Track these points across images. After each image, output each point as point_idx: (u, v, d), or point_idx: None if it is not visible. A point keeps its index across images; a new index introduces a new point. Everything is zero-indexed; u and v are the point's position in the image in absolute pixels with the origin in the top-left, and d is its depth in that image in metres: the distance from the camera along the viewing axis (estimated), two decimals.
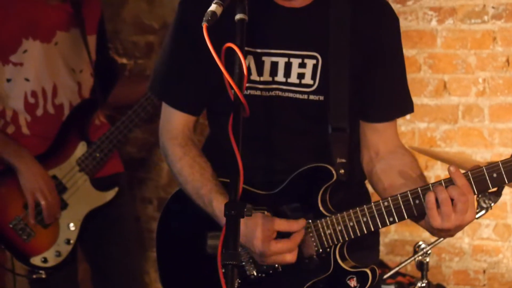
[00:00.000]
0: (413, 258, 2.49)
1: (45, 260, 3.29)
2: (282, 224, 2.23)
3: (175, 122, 2.42)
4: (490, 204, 2.19)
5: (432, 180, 4.16)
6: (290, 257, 2.22)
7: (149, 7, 4.63)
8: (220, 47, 1.88)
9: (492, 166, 2.09)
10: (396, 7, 4.10)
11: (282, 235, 2.23)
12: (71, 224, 3.33)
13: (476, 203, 2.15)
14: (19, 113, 3.33)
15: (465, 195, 2.06)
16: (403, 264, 2.55)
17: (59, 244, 3.32)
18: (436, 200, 2.08)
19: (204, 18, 1.87)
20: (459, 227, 2.11)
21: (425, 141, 4.26)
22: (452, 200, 2.06)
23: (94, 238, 3.47)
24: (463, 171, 2.11)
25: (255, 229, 2.20)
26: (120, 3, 4.63)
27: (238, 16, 1.96)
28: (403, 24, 4.16)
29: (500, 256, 4.18)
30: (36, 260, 3.29)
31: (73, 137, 3.38)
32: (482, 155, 4.15)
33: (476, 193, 2.10)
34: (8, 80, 3.30)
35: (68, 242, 3.31)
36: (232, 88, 1.86)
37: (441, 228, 2.10)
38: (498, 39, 4.09)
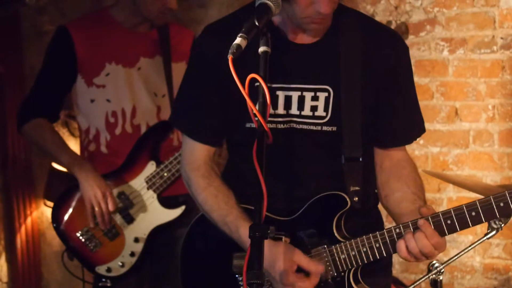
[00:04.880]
0: (427, 276, 2.45)
1: (108, 270, 3.40)
2: (302, 260, 2.26)
3: (197, 153, 2.45)
4: (501, 225, 2.25)
5: (444, 202, 4.32)
6: None
7: None
8: (243, 78, 1.93)
9: (469, 205, 2.18)
10: (409, 37, 4.15)
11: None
12: (137, 238, 3.41)
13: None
14: (100, 131, 3.47)
15: (430, 246, 2.17)
16: (417, 282, 2.49)
17: (124, 256, 3.39)
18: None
19: (229, 51, 1.91)
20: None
21: (438, 164, 4.34)
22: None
23: (156, 252, 3.51)
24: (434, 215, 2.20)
25: (278, 257, 2.24)
26: None
27: (261, 49, 2.02)
28: (416, 54, 4.22)
29: (510, 273, 4.26)
30: (101, 269, 3.39)
31: (144, 156, 3.46)
32: (492, 178, 4.24)
33: (447, 233, 2.17)
34: (92, 101, 3.44)
35: (132, 254, 3.39)
36: (256, 116, 1.93)
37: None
38: (506, 67, 4.19)
